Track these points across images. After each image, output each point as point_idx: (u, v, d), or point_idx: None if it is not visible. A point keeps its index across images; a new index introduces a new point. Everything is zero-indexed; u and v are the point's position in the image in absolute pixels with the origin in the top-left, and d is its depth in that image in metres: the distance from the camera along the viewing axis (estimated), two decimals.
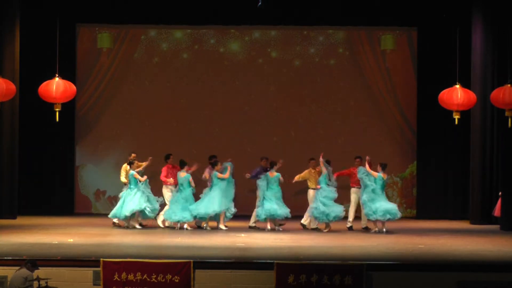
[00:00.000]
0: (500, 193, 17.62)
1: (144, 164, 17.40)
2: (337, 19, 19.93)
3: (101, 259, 12.10)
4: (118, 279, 11.98)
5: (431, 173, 19.69)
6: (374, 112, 20.38)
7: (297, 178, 17.19)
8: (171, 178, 17.22)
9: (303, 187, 17.50)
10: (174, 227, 16.83)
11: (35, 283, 11.25)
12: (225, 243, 14.40)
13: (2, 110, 17.54)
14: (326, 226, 16.70)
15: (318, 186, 16.77)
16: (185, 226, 16.74)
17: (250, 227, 17.10)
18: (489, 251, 13.69)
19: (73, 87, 16.73)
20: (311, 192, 17.02)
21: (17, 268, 11.33)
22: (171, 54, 20.56)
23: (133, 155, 17.56)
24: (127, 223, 16.93)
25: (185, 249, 13.51)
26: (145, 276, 11.99)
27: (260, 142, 20.12)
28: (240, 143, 20.09)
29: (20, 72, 18.39)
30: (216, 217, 16.77)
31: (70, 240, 14.59)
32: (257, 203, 16.95)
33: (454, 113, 16.40)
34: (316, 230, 16.75)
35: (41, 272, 11.42)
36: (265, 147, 19.84)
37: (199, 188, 17.10)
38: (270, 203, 16.61)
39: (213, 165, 16.87)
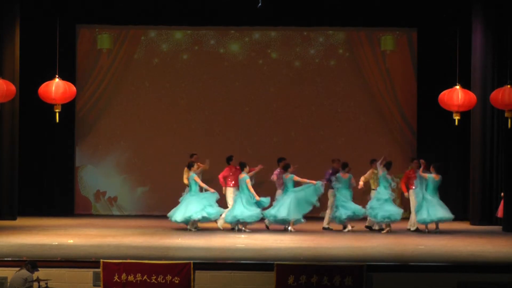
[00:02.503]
0: (502, 194, 17.62)
1: (202, 166, 17.21)
2: (337, 20, 19.93)
3: (101, 260, 12.10)
4: (118, 280, 11.98)
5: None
6: (374, 112, 20.38)
7: (363, 179, 17.27)
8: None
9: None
10: (234, 228, 16.73)
11: (35, 284, 11.24)
12: (225, 244, 14.39)
13: (2, 111, 17.56)
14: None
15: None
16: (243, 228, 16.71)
17: (324, 229, 17.15)
18: (490, 251, 13.69)
19: (73, 88, 16.72)
20: (372, 193, 17.25)
21: (17, 269, 11.32)
22: (171, 55, 20.55)
23: (195, 156, 17.41)
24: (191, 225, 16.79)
25: (185, 250, 13.51)
26: (145, 277, 11.99)
27: (260, 143, 20.12)
28: (240, 144, 20.08)
29: (20, 73, 18.39)
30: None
31: (70, 241, 14.59)
32: (331, 204, 17.11)
33: (454, 114, 16.40)
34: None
35: (41, 273, 11.42)
36: (265, 147, 19.85)
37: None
38: (349, 203, 16.80)
39: (286, 168, 16.83)
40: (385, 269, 12.13)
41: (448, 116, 16.91)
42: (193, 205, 16.53)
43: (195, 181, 16.69)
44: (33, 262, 11.42)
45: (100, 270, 12.00)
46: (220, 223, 16.99)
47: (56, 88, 16.29)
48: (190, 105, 20.46)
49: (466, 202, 19.09)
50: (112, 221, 18.60)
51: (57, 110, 16.40)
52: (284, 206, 16.55)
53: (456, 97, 16.29)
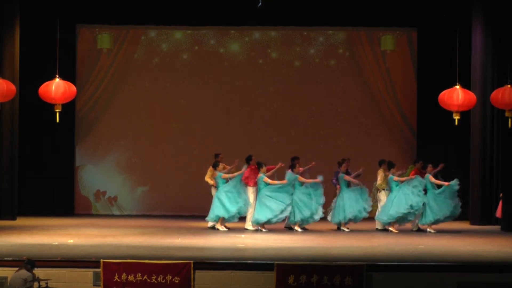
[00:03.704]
0: (501, 194, 17.62)
1: (228, 168, 17.08)
2: (337, 20, 19.94)
3: (101, 259, 12.09)
4: (118, 280, 11.97)
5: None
6: (374, 112, 20.39)
7: (381, 182, 17.38)
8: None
9: None
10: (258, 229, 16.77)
11: (35, 284, 11.24)
12: (225, 244, 14.40)
13: (2, 110, 17.55)
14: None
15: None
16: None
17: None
18: (489, 251, 13.69)
19: (73, 88, 16.72)
20: (382, 194, 17.39)
21: (16, 269, 11.31)
22: (171, 54, 20.56)
23: (220, 156, 17.33)
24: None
25: (185, 250, 13.51)
26: (145, 277, 11.98)
27: (260, 143, 20.12)
28: (240, 143, 20.07)
29: (20, 72, 18.38)
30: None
31: (70, 241, 14.58)
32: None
33: (454, 114, 16.39)
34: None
35: (41, 273, 11.40)
36: (265, 147, 19.85)
37: None
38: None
39: (292, 167, 16.85)
40: (385, 268, 12.12)
41: (448, 116, 16.91)
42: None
43: (222, 179, 16.74)
44: (33, 262, 11.40)
45: (100, 270, 11.99)
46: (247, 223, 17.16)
47: (56, 88, 16.28)
48: (190, 105, 20.47)
49: (466, 202, 19.08)
50: (112, 221, 18.60)
51: (57, 110, 16.40)
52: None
53: (456, 97, 16.28)
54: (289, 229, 17.04)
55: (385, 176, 17.10)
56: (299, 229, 16.73)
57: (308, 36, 20.56)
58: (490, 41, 18.13)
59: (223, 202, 16.60)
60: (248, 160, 17.32)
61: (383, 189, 17.28)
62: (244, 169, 16.87)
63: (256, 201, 16.80)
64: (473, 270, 12.06)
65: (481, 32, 18.18)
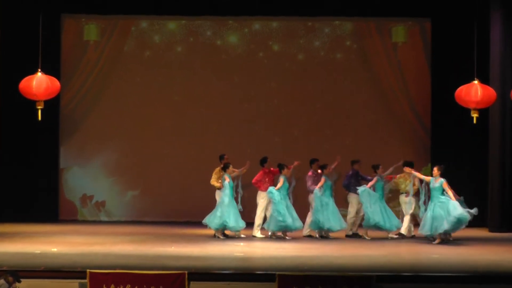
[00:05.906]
0: None
1: (237, 171, 17.00)
2: (344, 9, 19.96)
3: (88, 270, 12.08)
4: None
5: (447, 176, 19.61)
6: (384, 110, 20.40)
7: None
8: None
9: None
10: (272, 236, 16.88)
11: None
12: (223, 253, 14.43)
13: None
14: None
15: None
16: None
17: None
18: (509, 261, 13.69)
19: (57, 83, 16.68)
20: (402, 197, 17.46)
21: None
22: (164, 47, 20.58)
23: (226, 157, 17.30)
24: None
25: (179, 259, 13.52)
26: None
27: (261, 142, 20.12)
28: (239, 143, 20.10)
29: (0, 66, 18.37)
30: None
31: (54, 249, 14.59)
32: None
33: (472, 112, 16.36)
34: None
35: (23, 284, 11.40)
36: (266, 147, 19.82)
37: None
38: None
39: (322, 168, 16.95)
40: (396, 279, 12.12)
41: (465, 114, 16.89)
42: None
43: (231, 183, 16.71)
44: (14, 272, 11.39)
45: (86, 281, 11.99)
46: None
47: (38, 83, 16.23)
48: (184, 101, 20.49)
49: (484, 207, 19.07)
50: (99, 228, 18.63)
51: (39, 107, 16.36)
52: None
53: (475, 93, 16.24)
54: (308, 237, 17.09)
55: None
56: (317, 236, 16.92)
57: (312, 27, 20.57)
58: (510, 33, 18.13)
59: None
60: (262, 162, 17.30)
61: (405, 193, 17.30)
62: (246, 168, 16.98)
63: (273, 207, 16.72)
64: (493, 281, 12.09)
65: (501, 23, 18.21)
